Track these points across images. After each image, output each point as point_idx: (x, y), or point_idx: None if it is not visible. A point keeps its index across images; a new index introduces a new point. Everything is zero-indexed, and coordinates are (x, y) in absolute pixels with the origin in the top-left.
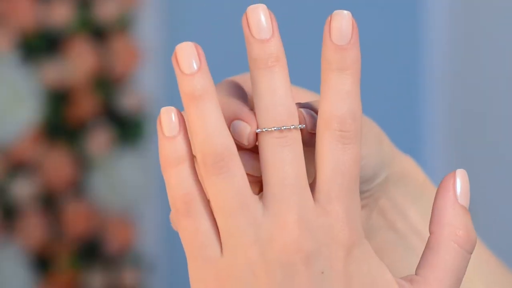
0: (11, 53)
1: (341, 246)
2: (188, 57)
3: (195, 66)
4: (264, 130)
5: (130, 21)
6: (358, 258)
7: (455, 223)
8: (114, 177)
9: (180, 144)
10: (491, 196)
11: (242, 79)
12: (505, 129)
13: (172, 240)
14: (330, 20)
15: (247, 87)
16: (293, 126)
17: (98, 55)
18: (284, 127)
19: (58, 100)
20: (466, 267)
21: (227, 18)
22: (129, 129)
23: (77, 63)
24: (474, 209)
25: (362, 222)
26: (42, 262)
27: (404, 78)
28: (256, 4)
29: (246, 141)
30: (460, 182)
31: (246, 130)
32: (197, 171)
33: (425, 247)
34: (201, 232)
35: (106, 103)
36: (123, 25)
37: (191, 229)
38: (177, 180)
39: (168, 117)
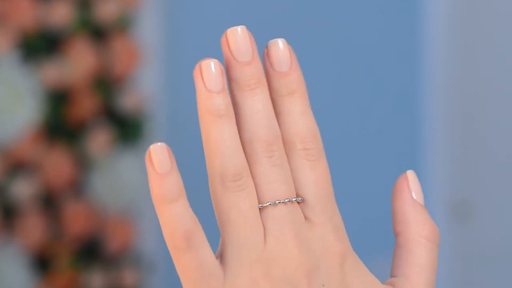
0: (11, 53)
1: (336, 257)
2: (214, 76)
3: (219, 87)
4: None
5: (130, 21)
6: (352, 268)
7: (419, 220)
8: (114, 177)
9: (174, 180)
10: (490, 196)
11: None
12: (504, 130)
13: None
14: (267, 51)
15: None
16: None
17: (98, 55)
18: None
19: (58, 100)
20: (437, 259)
21: (227, 18)
22: (129, 129)
23: (77, 63)
24: (472, 209)
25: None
26: (42, 262)
27: (404, 80)
28: (235, 27)
29: None
30: (412, 182)
31: None
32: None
33: (395, 247)
34: (205, 265)
35: (106, 103)
36: (123, 25)
37: (195, 263)
38: (176, 217)
39: (159, 153)
